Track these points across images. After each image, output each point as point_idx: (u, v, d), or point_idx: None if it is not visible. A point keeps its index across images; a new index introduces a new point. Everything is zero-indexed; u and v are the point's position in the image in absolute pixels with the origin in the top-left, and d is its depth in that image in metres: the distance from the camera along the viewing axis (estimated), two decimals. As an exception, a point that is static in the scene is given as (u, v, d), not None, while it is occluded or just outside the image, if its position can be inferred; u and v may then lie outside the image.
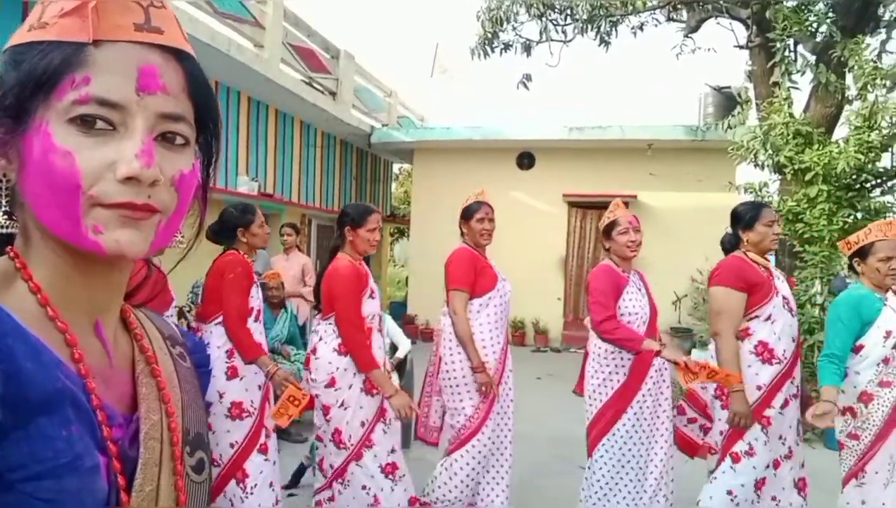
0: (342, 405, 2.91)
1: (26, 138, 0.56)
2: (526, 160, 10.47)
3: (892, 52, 6.75)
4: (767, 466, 2.77)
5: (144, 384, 0.64)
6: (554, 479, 4.03)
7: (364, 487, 2.92)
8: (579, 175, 10.04)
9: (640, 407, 3.00)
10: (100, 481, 0.54)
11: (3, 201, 0.59)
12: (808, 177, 6.01)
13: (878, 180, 6.17)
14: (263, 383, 3.05)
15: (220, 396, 2.94)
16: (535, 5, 8.26)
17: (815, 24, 6.40)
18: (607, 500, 3.01)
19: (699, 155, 9.44)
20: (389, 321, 4.42)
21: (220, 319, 2.98)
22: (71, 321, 0.59)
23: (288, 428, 3.85)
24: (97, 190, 0.55)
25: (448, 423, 3.26)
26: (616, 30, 8.36)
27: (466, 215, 3.28)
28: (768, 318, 2.81)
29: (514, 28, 8.56)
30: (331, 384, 2.93)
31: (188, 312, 4.07)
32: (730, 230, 3.05)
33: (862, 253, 2.91)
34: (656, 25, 8.49)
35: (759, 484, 2.75)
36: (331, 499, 3.02)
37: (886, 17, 6.70)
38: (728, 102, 8.78)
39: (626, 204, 3.48)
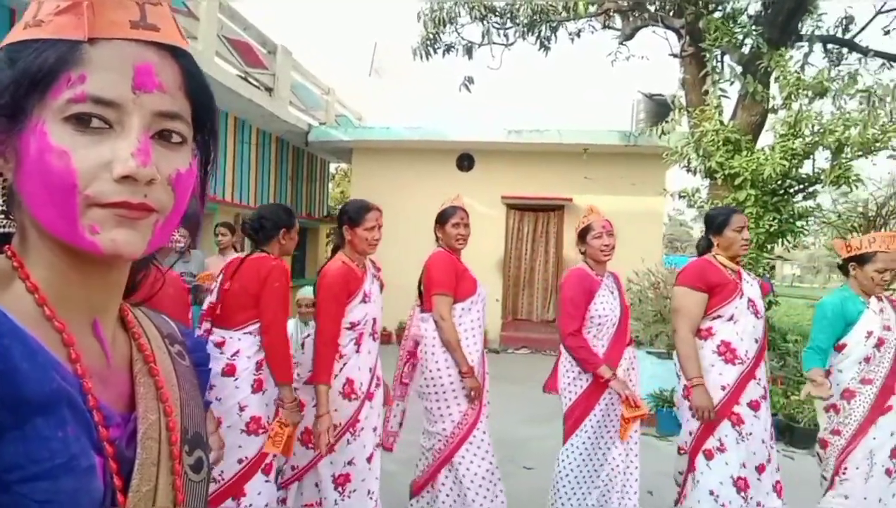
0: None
1: (22, 137, 0.55)
2: (465, 162, 10.51)
3: (813, 65, 7.15)
4: (744, 465, 2.80)
5: (142, 383, 0.64)
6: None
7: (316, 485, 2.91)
8: (518, 178, 10.15)
9: (607, 405, 3.14)
10: (96, 481, 0.54)
11: (1, 201, 0.59)
12: (737, 182, 6.26)
13: (801, 186, 6.48)
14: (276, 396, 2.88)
15: (241, 409, 2.73)
16: (476, 7, 8.31)
17: (741, 36, 6.69)
18: (578, 486, 3.13)
19: (633, 160, 9.74)
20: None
21: (253, 327, 2.78)
22: (68, 320, 0.58)
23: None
24: (93, 189, 0.54)
25: (427, 430, 3.22)
26: (555, 35, 8.50)
27: (442, 219, 3.27)
28: (731, 318, 2.89)
29: (457, 30, 8.58)
30: (311, 380, 2.85)
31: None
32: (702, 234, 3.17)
33: (861, 259, 3.06)
34: (593, 32, 8.68)
35: (741, 486, 2.78)
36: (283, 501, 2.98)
37: (804, 31, 7.10)
38: (659, 108, 9.09)
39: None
